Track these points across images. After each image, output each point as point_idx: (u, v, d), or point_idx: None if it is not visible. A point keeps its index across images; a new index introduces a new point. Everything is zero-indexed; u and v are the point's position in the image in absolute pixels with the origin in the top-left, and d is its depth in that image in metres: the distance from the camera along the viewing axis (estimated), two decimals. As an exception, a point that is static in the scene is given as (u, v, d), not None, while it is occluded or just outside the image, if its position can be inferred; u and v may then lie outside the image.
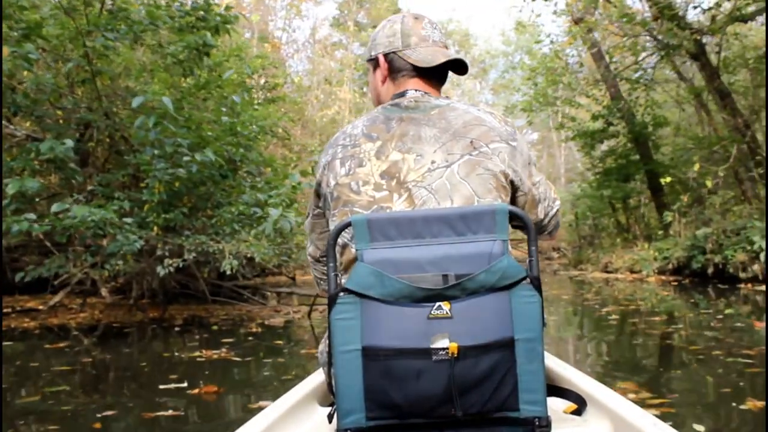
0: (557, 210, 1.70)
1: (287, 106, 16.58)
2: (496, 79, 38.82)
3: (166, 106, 6.05)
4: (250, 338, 6.28)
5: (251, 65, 14.33)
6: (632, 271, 14.57)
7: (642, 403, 3.25)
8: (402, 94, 1.60)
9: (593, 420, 1.50)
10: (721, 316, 6.82)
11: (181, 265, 6.78)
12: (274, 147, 20.86)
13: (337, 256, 1.45)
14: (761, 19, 17.35)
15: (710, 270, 11.97)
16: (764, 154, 13.99)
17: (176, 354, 5.39)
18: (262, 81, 16.80)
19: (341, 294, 1.23)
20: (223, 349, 5.49)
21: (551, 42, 16.26)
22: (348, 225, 1.27)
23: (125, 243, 6.03)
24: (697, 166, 12.91)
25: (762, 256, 10.23)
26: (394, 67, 1.64)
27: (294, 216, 6.34)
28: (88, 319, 8.00)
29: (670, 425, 1.33)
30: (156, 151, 6.56)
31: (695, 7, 15.32)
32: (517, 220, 1.30)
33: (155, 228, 6.69)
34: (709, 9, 15.02)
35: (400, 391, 1.20)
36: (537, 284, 1.23)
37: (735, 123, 16.01)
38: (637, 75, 17.19)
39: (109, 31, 6.60)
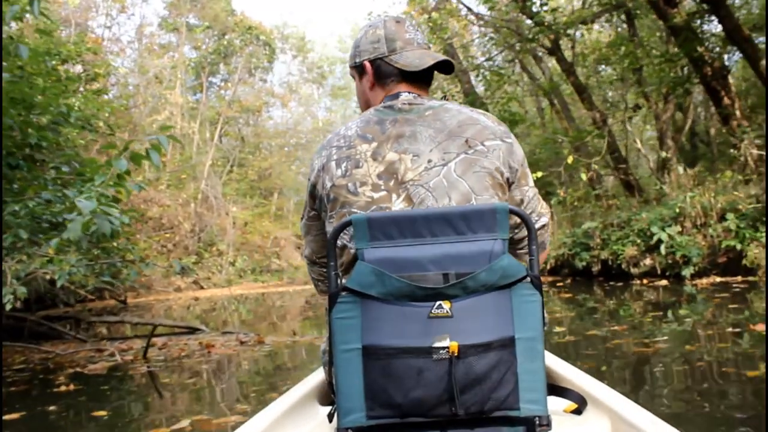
0: (543, 225, 1.58)
1: (113, 106, 13.77)
2: (333, 85, 37.28)
3: None
4: (53, 405, 3.93)
5: (65, 49, 11.62)
6: (503, 274, 13.35)
7: None
8: (395, 96, 1.54)
9: (593, 419, 1.45)
10: (690, 320, 5.41)
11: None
12: (97, 153, 17.81)
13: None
14: (602, 21, 17.24)
15: (596, 267, 10.89)
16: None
17: None
18: (80, 70, 13.90)
19: (342, 293, 1.20)
20: (-1, 438, 3.14)
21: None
22: (348, 224, 1.23)
23: None
24: (570, 159, 11.87)
25: (663, 248, 9.16)
26: (381, 72, 1.59)
27: (119, 213, 4.09)
28: None
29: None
30: None
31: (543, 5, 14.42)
32: (516, 220, 1.39)
33: None
34: (554, 10, 14.25)
35: (401, 390, 1.17)
36: (537, 283, 1.21)
37: (593, 117, 15.46)
38: (490, 71, 16.27)
39: None
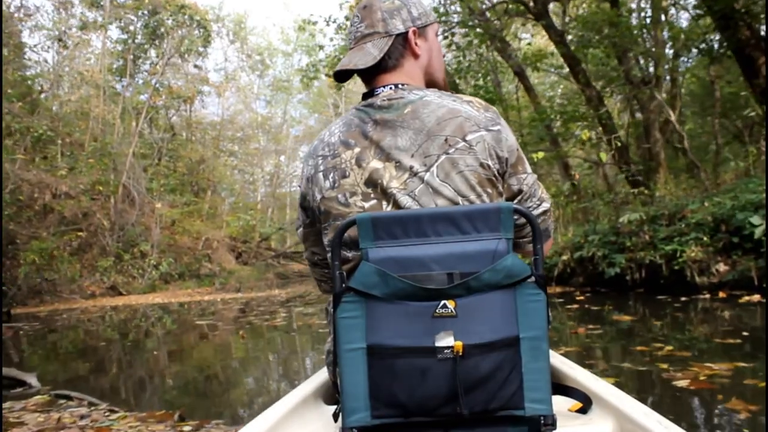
0: (544, 211, 1.41)
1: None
2: (276, 77, 33.48)
3: None
4: None
5: None
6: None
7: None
8: (375, 92, 1.39)
9: (598, 419, 1.34)
10: None
11: None
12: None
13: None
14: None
15: (632, 275, 7.72)
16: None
17: None
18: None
19: (346, 293, 1.14)
20: None
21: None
22: (353, 224, 1.16)
23: None
24: (586, 134, 8.74)
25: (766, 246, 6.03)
26: None
27: None
28: None
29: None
30: None
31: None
32: (521, 219, 1.26)
33: None
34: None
35: (405, 389, 1.10)
36: (542, 283, 1.14)
37: (589, 94, 12.51)
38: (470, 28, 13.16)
39: None
